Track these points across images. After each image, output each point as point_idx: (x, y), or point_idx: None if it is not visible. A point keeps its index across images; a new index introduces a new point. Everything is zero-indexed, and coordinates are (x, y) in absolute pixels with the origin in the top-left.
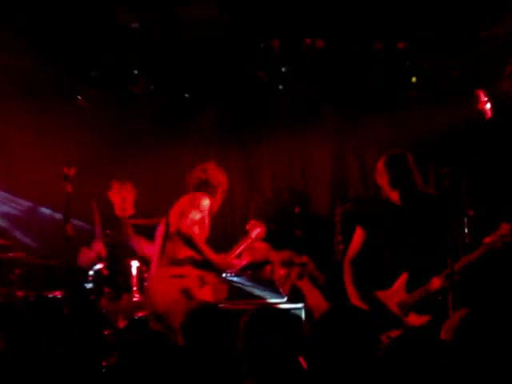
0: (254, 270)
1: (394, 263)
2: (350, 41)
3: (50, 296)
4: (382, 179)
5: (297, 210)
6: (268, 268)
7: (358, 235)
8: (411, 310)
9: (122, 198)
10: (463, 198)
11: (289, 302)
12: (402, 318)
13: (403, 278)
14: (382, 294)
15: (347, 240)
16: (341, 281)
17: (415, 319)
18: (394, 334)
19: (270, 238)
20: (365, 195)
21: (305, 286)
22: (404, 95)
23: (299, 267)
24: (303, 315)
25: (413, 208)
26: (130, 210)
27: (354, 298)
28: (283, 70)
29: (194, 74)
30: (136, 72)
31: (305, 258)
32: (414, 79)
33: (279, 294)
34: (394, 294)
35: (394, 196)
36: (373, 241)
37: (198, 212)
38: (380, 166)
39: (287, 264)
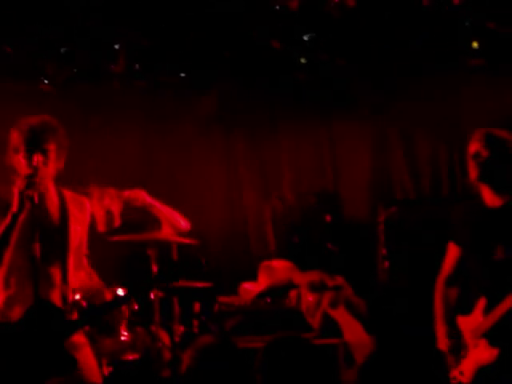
0: (275, 297)
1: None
2: None
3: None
4: (472, 161)
5: (327, 217)
6: (292, 293)
7: (452, 253)
8: (483, 338)
9: (104, 209)
10: None
11: (320, 336)
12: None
13: (483, 300)
14: (462, 319)
15: (394, 255)
16: (387, 309)
17: (483, 353)
18: (467, 368)
19: (294, 254)
20: (416, 196)
21: (340, 316)
22: (463, 64)
23: (333, 292)
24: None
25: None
26: (117, 223)
27: (437, 325)
28: (304, 37)
29: (191, 46)
30: (117, 47)
31: (339, 280)
32: (475, 44)
33: (308, 327)
34: (473, 319)
35: (486, 193)
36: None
37: None
38: (474, 145)
39: (317, 288)
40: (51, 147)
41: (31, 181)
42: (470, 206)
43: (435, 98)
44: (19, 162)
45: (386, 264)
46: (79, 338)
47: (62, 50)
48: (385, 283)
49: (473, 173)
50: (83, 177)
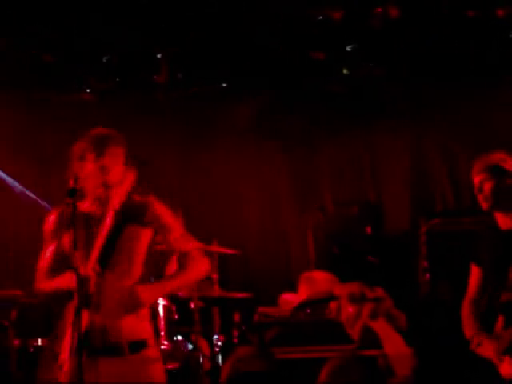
0: (315, 308)
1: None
2: (434, 8)
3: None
4: (479, 194)
5: (368, 229)
6: (332, 305)
7: (475, 275)
8: (506, 354)
9: None
10: None
11: (360, 348)
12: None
13: (501, 319)
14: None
15: (435, 267)
16: (427, 321)
17: (508, 368)
18: None
19: (334, 265)
20: (456, 208)
21: (380, 327)
22: (505, 77)
23: (373, 304)
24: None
25: None
26: None
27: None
28: (347, 48)
29: (231, 56)
30: (159, 56)
31: (380, 292)
32: None
33: (348, 339)
34: (494, 337)
35: (498, 217)
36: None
37: None
38: (476, 178)
39: (357, 299)
40: (110, 157)
41: (70, 190)
42: (487, 229)
43: (475, 110)
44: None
45: (427, 276)
46: (153, 351)
47: (104, 59)
48: (426, 296)
49: (482, 203)
50: None
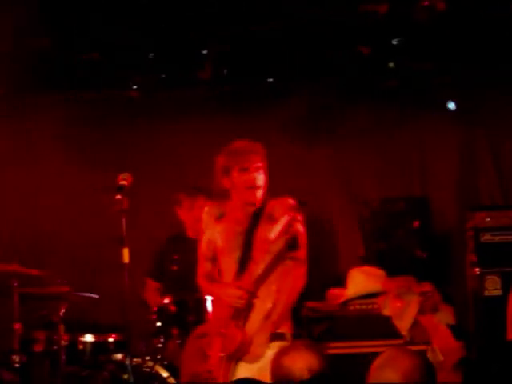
0: (363, 303)
1: None
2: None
3: (101, 341)
4: None
5: (415, 223)
6: (380, 299)
7: None
8: None
9: (194, 217)
10: None
11: (408, 342)
12: None
13: None
14: None
15: (483, 261)
16: (478, 315)
17: None
18: None
19: (382, 260)
20: (503, 202)
21: (429, 322)
22: None
23: (421, 298)
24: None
25: None
26: None
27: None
28: (393, 42)
29: (278, 51)
30: (205, 52)
31: (428, 286)
32: None
33: (396, 334)
34: None
35: None
36: None
37: None
38: None
39: (405, 294)
40: (253, 169)
41: (118, 187)
42: None
43: None
44: (234, 179)
45: (476, 270)
46: None
47: (150, 56)
48: (475, 290)
49: None
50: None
